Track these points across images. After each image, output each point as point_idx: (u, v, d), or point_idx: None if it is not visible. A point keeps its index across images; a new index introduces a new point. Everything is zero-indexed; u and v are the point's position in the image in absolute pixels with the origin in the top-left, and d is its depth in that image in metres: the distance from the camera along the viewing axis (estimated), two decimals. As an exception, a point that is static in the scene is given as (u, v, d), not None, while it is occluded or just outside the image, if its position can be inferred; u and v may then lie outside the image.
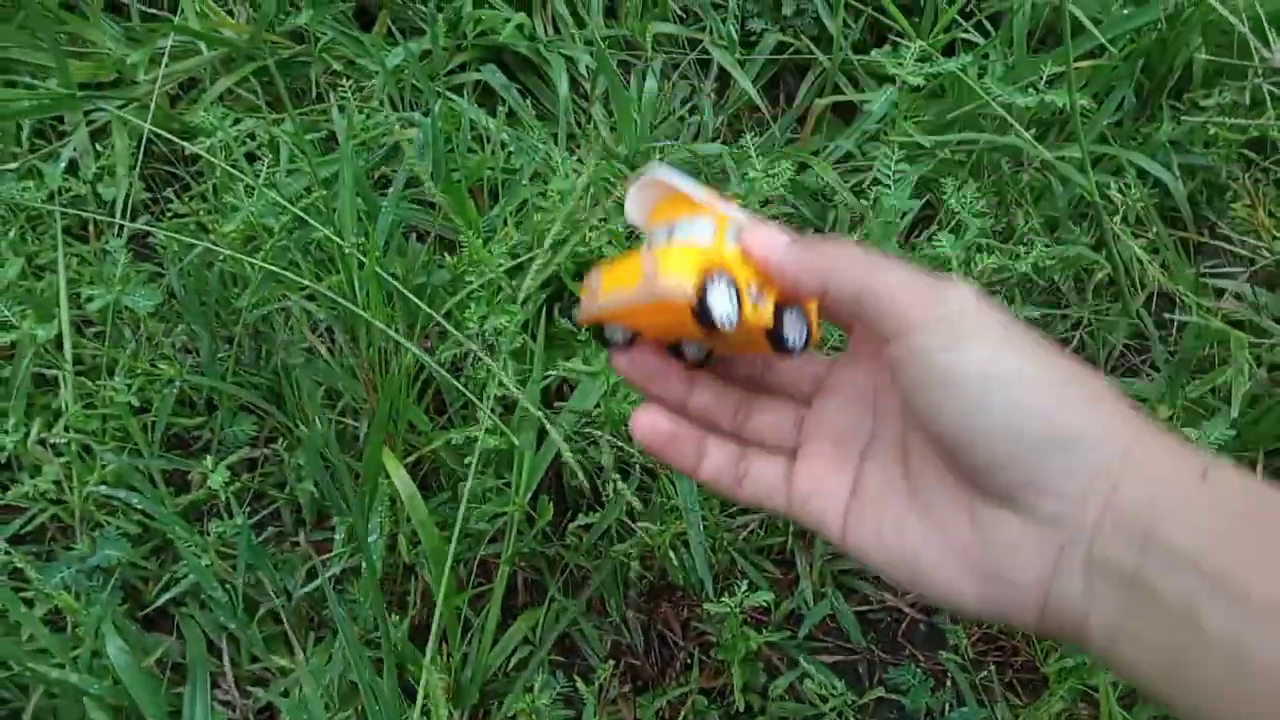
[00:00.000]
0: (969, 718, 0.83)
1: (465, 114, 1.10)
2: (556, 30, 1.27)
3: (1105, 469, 0.37)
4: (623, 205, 0.47)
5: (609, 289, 0.42)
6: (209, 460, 0.82)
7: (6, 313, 0.81)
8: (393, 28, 1.25)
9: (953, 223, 0.92)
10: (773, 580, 0.91)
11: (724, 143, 1.17)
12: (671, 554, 0.85)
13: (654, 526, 0.84)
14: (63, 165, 1.01)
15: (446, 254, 0.97)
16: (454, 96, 1.15)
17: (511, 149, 1.08)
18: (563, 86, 1.18)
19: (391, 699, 0.68)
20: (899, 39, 1.19)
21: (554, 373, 0.88)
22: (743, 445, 0.48)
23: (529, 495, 0.82)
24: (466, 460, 0.84)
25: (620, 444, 0.84)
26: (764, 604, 0.81)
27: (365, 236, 0.89)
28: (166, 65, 1.09)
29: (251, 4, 1.20)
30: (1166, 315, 1.04)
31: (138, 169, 1.05)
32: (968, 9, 1.22)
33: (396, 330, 0.84)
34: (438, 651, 0.76)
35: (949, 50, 1.22)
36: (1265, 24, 0.95)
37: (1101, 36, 1.08)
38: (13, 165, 0.99)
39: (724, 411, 0.49)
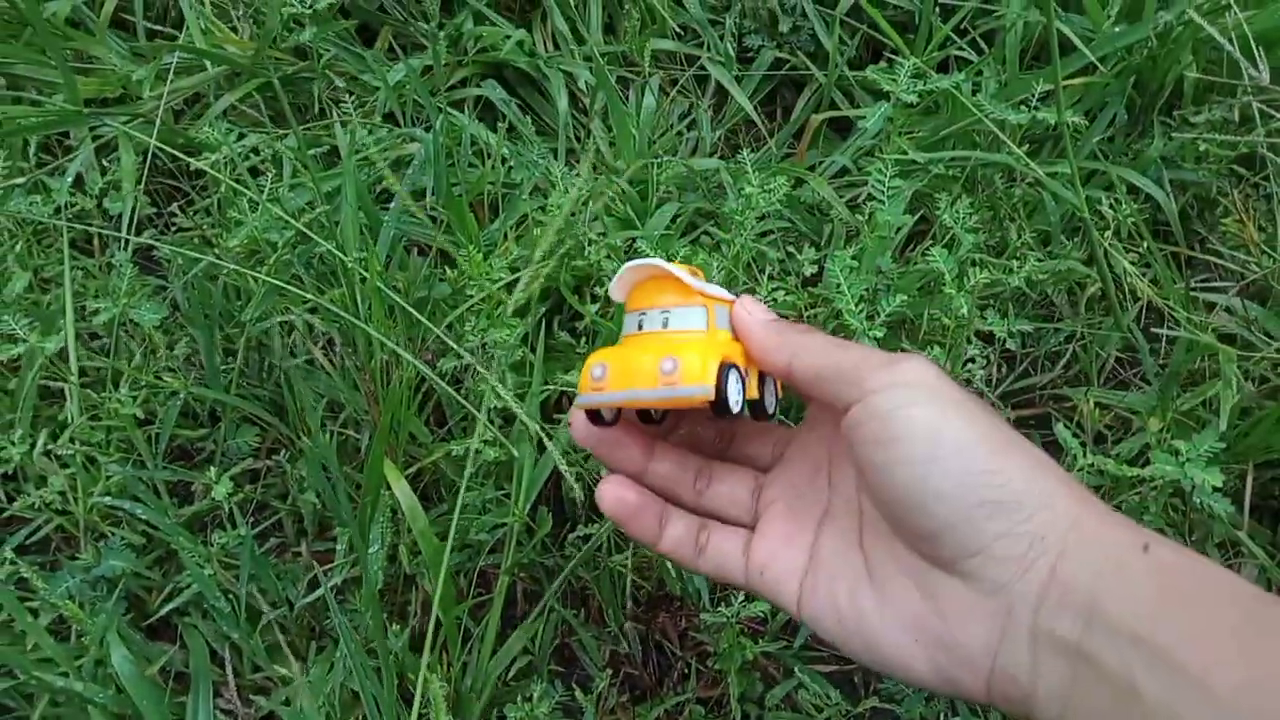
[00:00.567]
0: (963, 727, 0.84)
1: (466, 129, 1.11)
2: (556, 47, 1.28)
3: (1045, 535, 0.39)
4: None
5: (621, 385, 0.44)
6: (212, 471, 0.83)
7: (14, 325, 0.82)
8: (394, 44, 1.26)
9: (947, 237, 0.94)
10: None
11: (721, 157, 1.18)
12: (669, 565, 0.87)
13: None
14: (69, 180, 1.03)
15: (448, 268, 0.99)
16: (455, 112, 1.16)
17: (512, 164, 1.10)
18: (562, 102, 1.20)
19: (392, 708, 0.68)
20: (894, 56, 1.21)
21: (553, 386, 0.89)
22: (702, 516, 0.50)
23: (528, 507, 0.83)
24: (466, 472, 0.86)
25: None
26: (760, 614, 0.82)
27: (367, 251, 0.90)
28: (171, 81, 1.10)
29: (255, 21, 1.22)
30: (1157, 329, 1.05)
31: (143, 184, 1.07)
32: (961, 27, 1.23)
33: (398, 343, 0.85)
34: (438, 661, 0.77)
35: (943, 67, 1.24)
36: (1253, 43, 0.97)
37: (1092, 55, 1.09)
38: (20, 180, 1.00)
39: (684, 480, 0.50)
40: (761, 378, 0.48)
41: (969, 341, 0.89)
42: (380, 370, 0.87)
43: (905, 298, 0.83)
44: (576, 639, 0.88)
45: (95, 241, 1.08)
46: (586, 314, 0.95)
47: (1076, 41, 1.10)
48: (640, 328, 0.47)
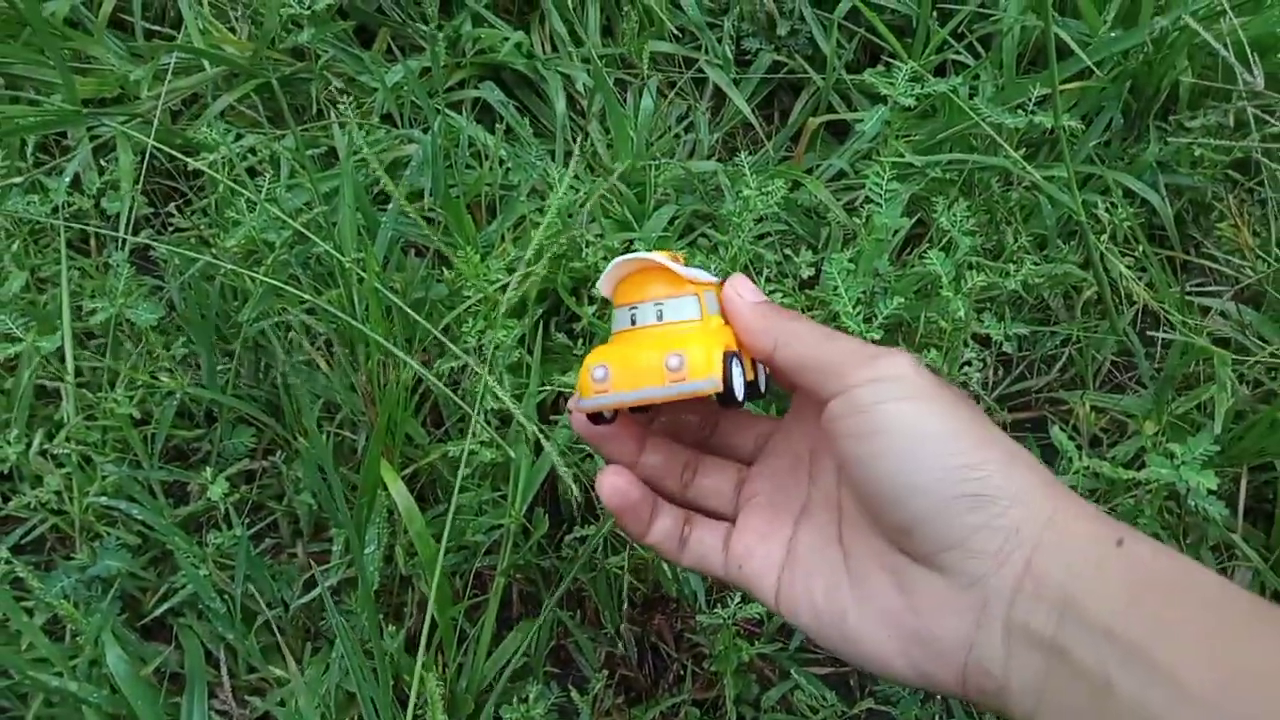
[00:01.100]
0: (958, 729, 0.84)
1: (464, 131, 1.12)
2: (554, 49, 1.29)
3: (1020, 529, 0.39)
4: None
5: (626, 386, 0.44)
6: (208, 472, 0.83)
7: (11, 324, 0.82)
8: (392, 45, 1.26)
9: (943, 240, 0.94)
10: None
11: (719, 160, 1.19)
12: (665, 566, 0.87)
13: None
14: (67, 180, 1.03)
15: (445, 269, 0.99)
16: (452, 114, 1.16)
17: (509, 166, 1.10)
18: (560, 104, 1.20)
19: (388, 708, 0.68)
20: (891, 60, 1.21)
21: (550, 387, 0.89)
22: (687, 510, 0.50)
23: (525, 508, 0.83)
24: (461, 473, 0.86)
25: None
26: (756, 616, 0.83)
27: (365, 252, 0.90)
28: (169, 82, 1.10)
29: (253, 21, 1.22)
30: (1152, 332, 1.06)
31: (140, 184, 1.07)
32: (959, 31, 1.24)
33: (395, 344, 0.85)
34: (433, 662, 0.77)
35: (940, 71, 1.24)
36: (1248, 49, 0.97)
37: (1089, 59, 1.10)
38: (17, 180, 1.00)
39: (672, 472, 0.51)
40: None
41: (966, 344, 0.89)
42: (377, 371, 0.87)
43: (902, 300, 0.83)
44: (572, 640, 0.88)
45: (92, 241, 1.08)
46: (584, 315, 0.95)
47: (1074, 46, 1.10)
48: (634, 322, 0.47)
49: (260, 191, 0.91)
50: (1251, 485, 0.92)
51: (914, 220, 1.08)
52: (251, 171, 1.05)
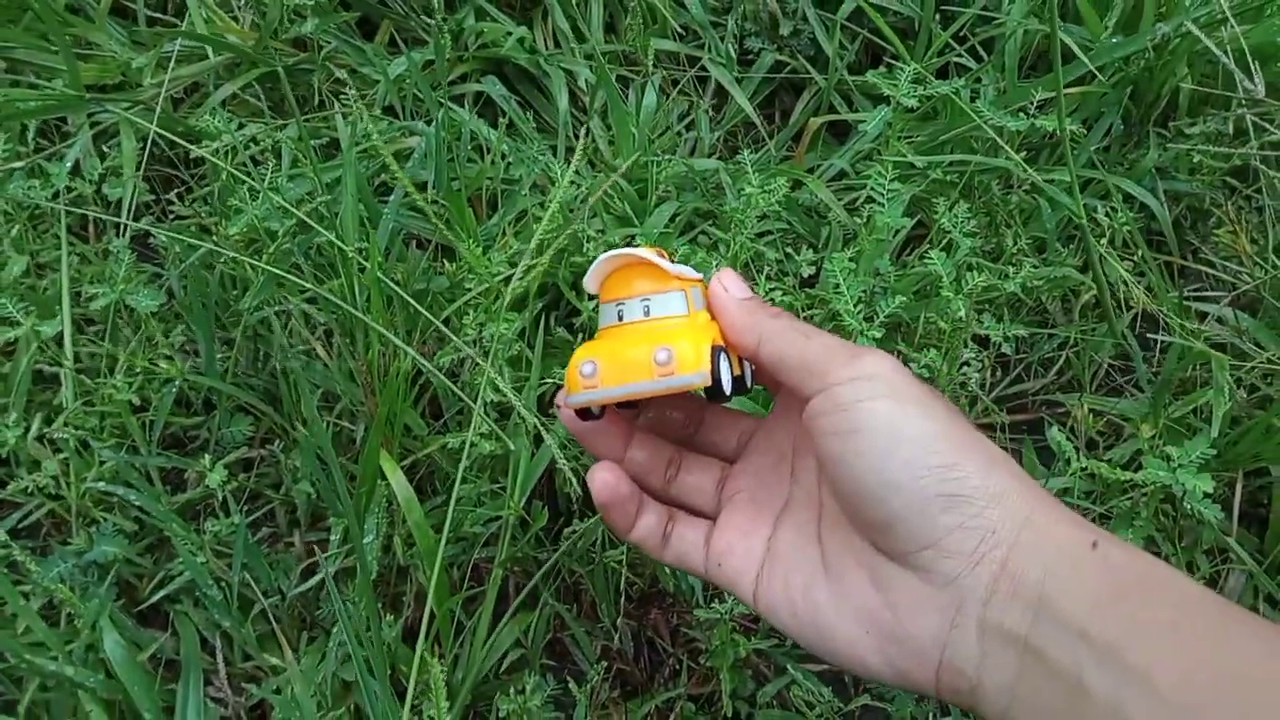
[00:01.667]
0: (952, 728, 0.84)
1: (466, 124, 1.12)
2: (557, 44, 1.29)
3: (997, 530, 0.39)
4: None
5: (615, 381, 0.44)
6: (207, 459, 0.83)
7: (11, 309, 0.82)
8: (396, 36, 1.26)
9: (944, 241, 0.94)
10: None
11: (720, 158, 1.19)
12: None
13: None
14: (68, 165, 1.02)
15: (446, 261, 0.99)
16: (455, 107, 1.16)
17: (511, 160, 1.10)
18: (562, 100, 1.20)
19: (389, 697, 0.68)
20: (893, 61, 1.22)
21: (550, 381, 0.89)
22: (669, 507, 0.51)
23: (523, 500, 0.83)
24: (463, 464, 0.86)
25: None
26: (753, 612, 0.83)
27: (369, 242, 0.90)
28: (172, 69, 1.10)
29: (256, 11, 1.22)
30: (1150, 336, 1.06)
31: (141, 170, 1.06)
32: (961, 34, 1.24)
33: (396, 335, 0.85)
34: (430, 652, 0.77)
35: (942, 73, 1.24)
36: (1249, 56, 0.98)
37: (1091, 64, 1.10)
38: (18, 164, 1.00)
39: (656, 468, 0.51)
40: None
41: (965, 345, 0.90)
42: (377, 362, 0.87)
43: (903, 300, 0.83)
44: (568, 633, 0.88)
45: (90, 228, 1.08)
46: (584, 310, 0.95)
47: (1076, 51, 1.11)
48: (620, 318, 0.47)
49: (263, 180, 0.90)
50: (1246, 490, 0.92)
51: (914, 221, 1.08)
52: (252, 161, 1.05)
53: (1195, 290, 1.11)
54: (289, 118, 1.15)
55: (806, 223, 1.11)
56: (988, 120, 0.99)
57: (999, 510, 0.39)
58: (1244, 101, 1.03)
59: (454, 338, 0.77)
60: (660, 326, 0.46)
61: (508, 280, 0.83)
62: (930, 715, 0.83)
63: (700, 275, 0.48)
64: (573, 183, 0.99)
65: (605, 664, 0.85)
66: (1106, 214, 1.03)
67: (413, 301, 0.79)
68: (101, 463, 0.87)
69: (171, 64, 1.10)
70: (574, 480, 0.80)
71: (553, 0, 1.27)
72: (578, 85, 1.24)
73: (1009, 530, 0.39)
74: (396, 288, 0.84)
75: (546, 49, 1.27)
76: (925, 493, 0.39)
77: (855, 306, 0.82)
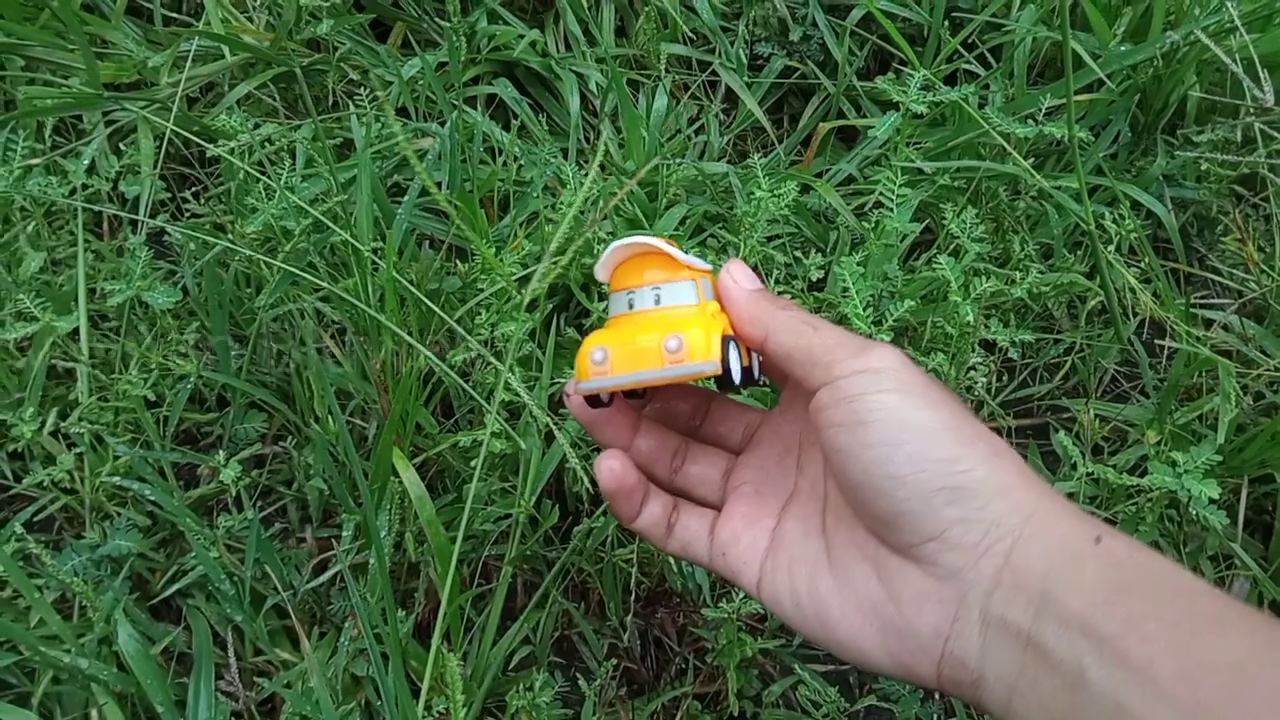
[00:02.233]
0: (956, 729, 0.85)
1: (478, 126, 1.12)
2: (568, 48, 1.29)
3: (1001, 523, 0.40)
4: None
5: (626, 368, 0.44)
6: (220, 455, 0.84)
7: (29, 303, 0.83)
8: (410, 38, 1.27)
9: (952, 247, 0.95)
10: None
11: (729, 162, 1.20)
12: (670, 560, 0.87)
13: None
14: (86, 163, 1.03)
15: (458, 262, 1.00)
16: (467, 109, 1.17)
17: (522, 162, 1.11)
18: (574, 103, 1.21)
19: (406, 691, 0.69)
20: (902, 68, 1.22)
21: (560, 380, 0.90)
22: (675, 496, 0.51)
23: (534, 499, 0.84)
24: (474, 463, 0.86)
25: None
26: (759, 611, 0.83)
27: (382, 241, 0.91)
28: (189, 68, 1.11)
29: (271, 12, 1.23)
30: (1157, 343, 1.07)
31: (158, 168, 1.07)
32: (970, 40, 1.25)
33: (410, 334, 0.86)
34: (440, 648, 0.78)
35: (951, 80, 1.25)
36: (1258, 64, 0.98)
37: (1100, 71, 1.11)
38: (36, 161, 1.01)
39: (662, 458, 0.52)
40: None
41: (973, 350, 0.90)
42: (391, 360, 0.88)
43: (912, 304, 0.84)
44: (576, 631, 0.89)
45: (105, 225, 1.09)
46: (594, 310, 0.96)
47: (1086, 58, 1.11)
48: (631, 306, 0.47)
49: (279, 179, 0.91)
50: (1251, 496, 0.93)
51: (921, 227, 1.09)
52: (268, 160, 1.06)
53: (1202, 297, 1.12)
54: (303, 117, 1.16)
55: (815, 227, 1.12)
56: (996, 127, 1.00)
57: (1003, 503, 0.40)
58: (1252, 110, 1.04)
59: (468, 338, 0.78)
60: (671, 314, 0.46)
61: (523, 280, 0.84)
62: (935, 717, 0.84)
63: (710, 266, 0.48)
64: (582, 184, 1.00)
65: (613, 662, 0.86)
66: (1114, 220, 1.04)
67: (428, 301, 0.80)
68: (116, 457, 0.88)
69: (188, 63, 1.10)
70: (584, 478, 0.81)
71: (565, 4, 1.28)
72: (589, 88, 1.25)
73: (1013, 524, 0.39)
74: (412, 287, 0.84)
75: (558, 52, 1.28)
76: (929, 486, 0.40)
77: (864, 310, 0.82)
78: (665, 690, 0.86)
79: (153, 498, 0.85)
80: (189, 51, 1.12)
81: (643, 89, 1.27)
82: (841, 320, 0.86)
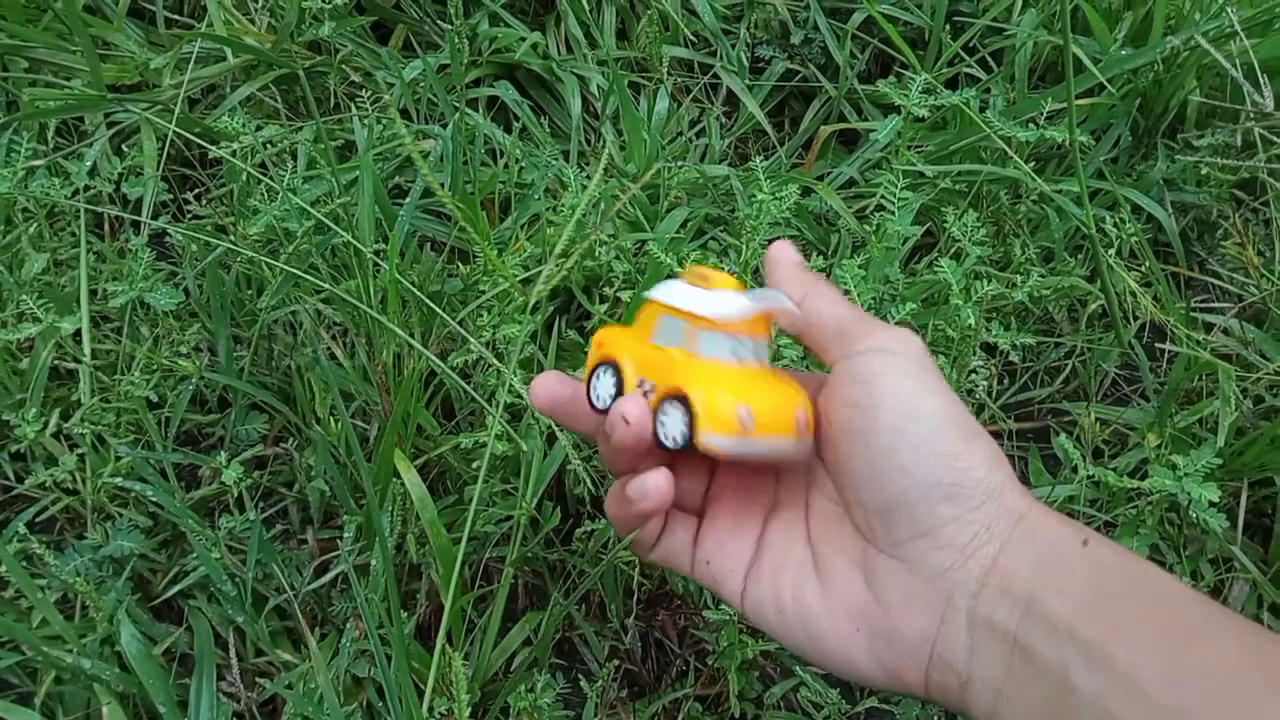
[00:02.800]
0: (957, 732, 0.85)
1: (480, 128, 1.13)
2: (569, 50, 1.30)
3: (991, 525, 0.40)
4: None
5: (769, 431, 0.42)
6: (222, 456, 0.84)
7: (31, 305, 0.83)
8: (412, 40, 1.28)
9: (953, 250, 0.95)
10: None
11: (731, 165, 1.20)
12: (672, 562, 0.87)
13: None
14: (88, 164, 1.03)
15: (460, 264, 1.00)
16: (469, 111, 1.17)
17: (523, 164, 1.11)
18: (575, 105, 1.21)
19: (411, 691, 0.69)
20: (903, 71, 1.23)
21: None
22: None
23: (535, 501, 0.84)
24: (475, 465, 0.87)
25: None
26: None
27: (384, 243, 0.91)
28: (191, 70, 1.11)
29: (272, 14, 1.23)
30: (1157, 346, 1.07)
31: (160, 170, 1.07)
32: (971, 44, 1.25)
33: (412, 336, 0.86)
34: (444, 648, 0.78)
35: (952, 84, 1.25)
36: (1258, 69, 0.99)
37: (1100, 75, 1.11)
38: (38, 162, 1.01)
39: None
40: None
41: (973, 353, 0.91)
42: (392, 362, 0.88)
43: (913, 307, 0.84)
44: (577, 633, 0.89)
45: (107, 226, 1.09)
46: (595, 314, 0.96)
47: (1086, 62, 1.12)
48: (735, 355, 0.44)
49: (281, 181, 0.91)
50: (1251, 500, 0.93)
51: (923, 230, 1.09)
52: (270, 162, 1.06)
53: (1202, 301, 1.12)
54: (304, 119, 1.16)
55: (816, 230, 1.12)
56: (997, 130, 1.00)
57: (995, 506, 0.40)
58: (1252, 114, 1.04)
59: (472, 340, 0.78)
60: (777, 379, 0.44)
61: (526, 283, 0.84)
62: (936, 718, 0.84)
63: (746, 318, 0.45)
64: (583, 187, 1.00)
65: (614, 664, 0.86)
66: (1114, 224, 1.04)
67: (431, 303, 0.80)
68: (118, 458, 0.88)
69: (191, 65, 1.11)
70: (586, 480, 0.81)
71: (566, 6, 1.29)
72: (590, 91, 1.25)
73: (1003, 527, 0.39)
74: (414, 289, 0.85)
75: (559, 55, 1.29)
76: (930, 478, 0.40)
77: (868, 312, 0.82)
78: (666, 692, 0.86)
79: (154, 499, 0.85)
80: (191, 53, 1.12)
81: (644, 91, 1.27)
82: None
